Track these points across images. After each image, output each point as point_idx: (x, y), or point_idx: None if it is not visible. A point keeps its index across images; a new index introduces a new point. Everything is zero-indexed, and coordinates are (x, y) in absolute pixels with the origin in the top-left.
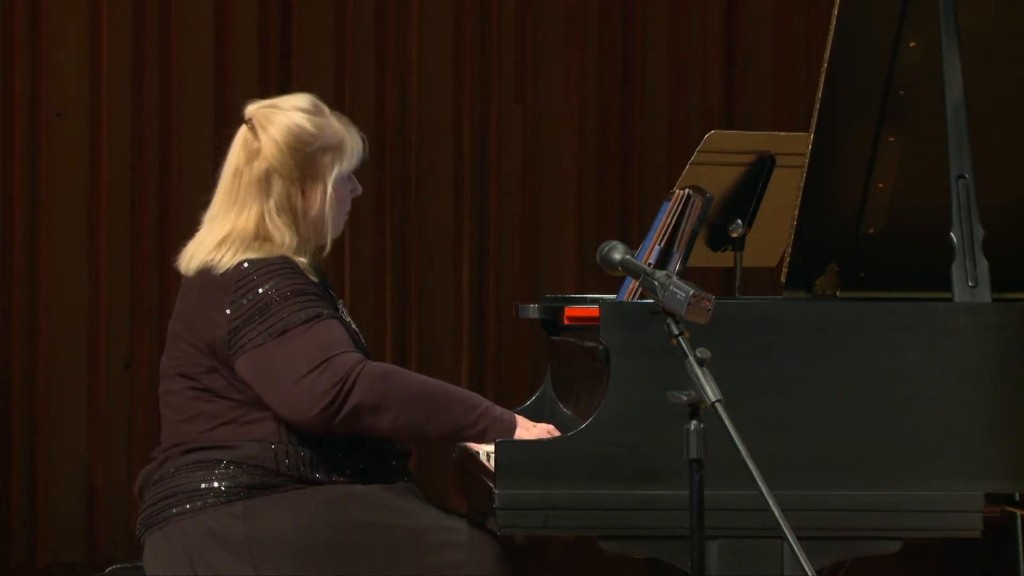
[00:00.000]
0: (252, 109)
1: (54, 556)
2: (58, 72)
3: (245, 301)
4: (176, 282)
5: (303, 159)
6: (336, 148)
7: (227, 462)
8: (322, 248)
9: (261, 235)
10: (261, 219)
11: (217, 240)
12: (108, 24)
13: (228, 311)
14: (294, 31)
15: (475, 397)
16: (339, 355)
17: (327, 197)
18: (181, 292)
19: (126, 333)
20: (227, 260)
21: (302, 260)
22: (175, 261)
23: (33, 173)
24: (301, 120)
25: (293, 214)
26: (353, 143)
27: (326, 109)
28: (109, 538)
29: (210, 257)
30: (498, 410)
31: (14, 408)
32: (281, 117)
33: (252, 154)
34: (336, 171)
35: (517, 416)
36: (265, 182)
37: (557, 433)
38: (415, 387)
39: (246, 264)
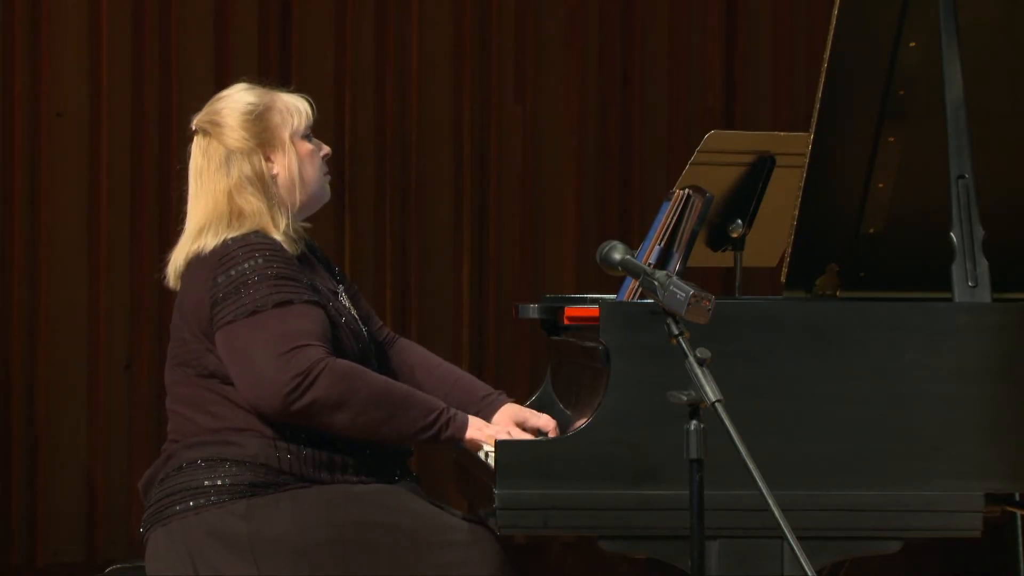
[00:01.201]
0: (197, 119)
1: (54, 556)
2: (58, 72)
3: (223, 278)
4: None
5: (253, 125)
6: (281, 107)
7: (231, 460)
8: (295, 206)
9: (234, 211)
10: (229, 196)
11: (196, 230)
12: (108, 24)
13: (210, 286)
14: (294, 31)
15: (433, 402)
16: (305, 347)
17: (290, 154)
18: (179, 289)
19: (126, 333)
20: (210, 242)
21: (278, 237)
22: (163, 279)
23: (33, 173)
24: (243, 96)
25: (262, 183)
26: (296, 101)
27: (260, 85)
28: (109, 538)
29: (195, 247)
30: (452, 411)
31: (14, 408)
32: (225, 104)
33: (208, 150)
34: (290, 128)
35: (471, 417)
36: (225, 164)
37: (514, 431)
38: (375, 389)
39: (229, 241)
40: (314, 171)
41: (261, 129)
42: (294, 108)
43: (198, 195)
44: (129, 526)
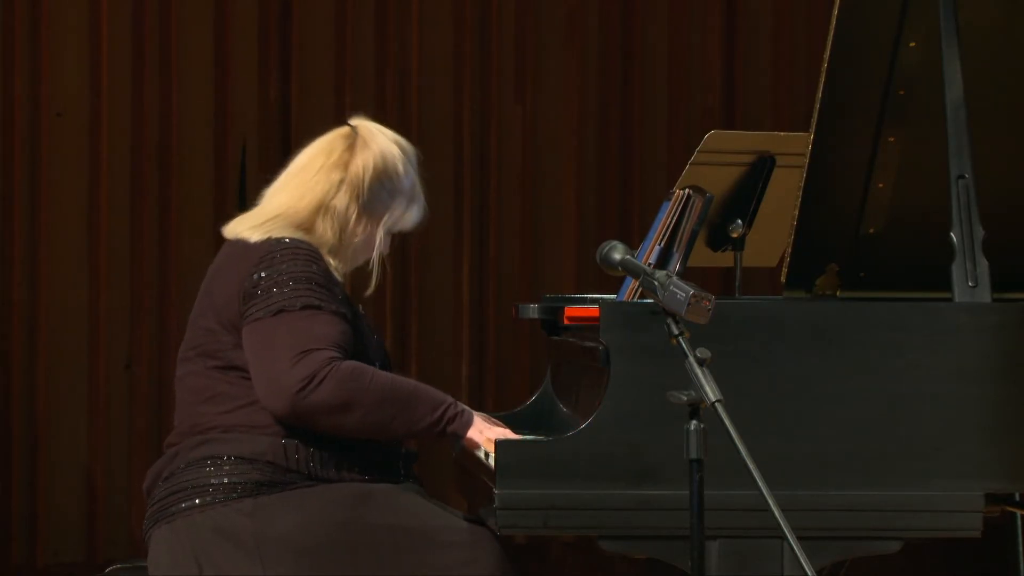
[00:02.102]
0: (362, 122)
1: (54, 556)
2: (58, 72)
3: (259, 276)
4: (176, 282)
5: (377, 188)
6: (407, 201)
7: (237, 458)
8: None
9: (308, 222)
10: (315, 210)
11: (264, 218)
12: (108, 24)
13: (245, 282)
14: (294, 31)
15: (438, 395)
16: (316, 351)
17: (370, 233)
18: (207, 275)
19: (126, 333)
20: (257, 237)
21: (331, 260)
22: (222, 227)
23: (33, 173)
24: (397, 156)
25: (344, 223)
26: (420, 208)
27: (417, 167)
28: (109, 538)
29: (248, 234)
30: (459, 407)
31: (14, 408)
32: (382, 140)
33: (338, 162)
34: (392, 220)
35: (476, 415)
36: (336, 187)
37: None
38: (381, 388)
39: (273, 242)
40: (362, 257)
41: (377, 197)
42: (414, 211)
43: (297, 182)
44: (129, 526)
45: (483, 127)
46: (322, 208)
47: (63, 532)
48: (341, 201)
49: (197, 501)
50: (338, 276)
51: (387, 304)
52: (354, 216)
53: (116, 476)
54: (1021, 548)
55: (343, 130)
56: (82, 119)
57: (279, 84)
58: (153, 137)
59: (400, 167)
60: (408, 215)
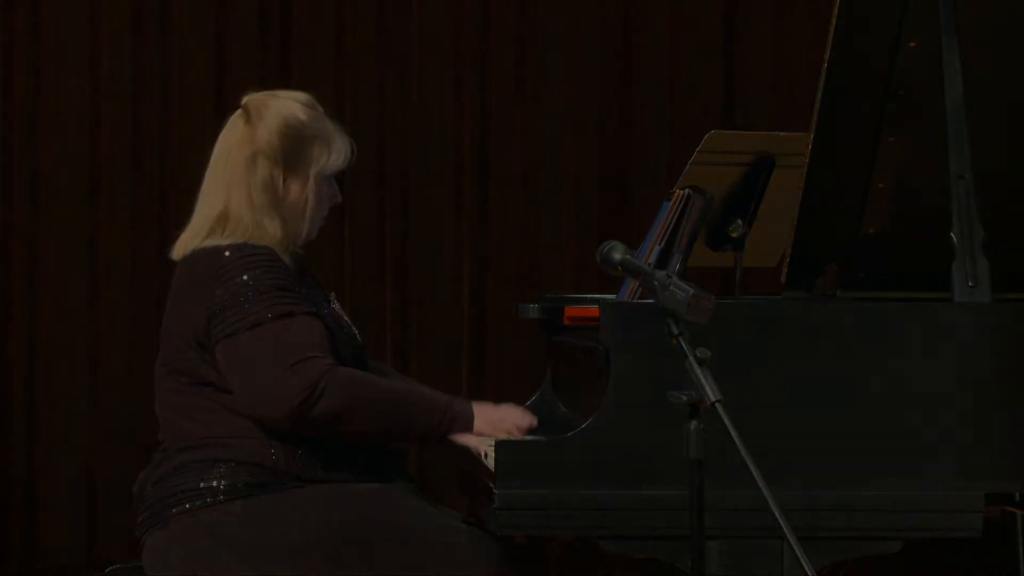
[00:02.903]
0: (250, 96)
1: (54, 556)
2: (58, 72)
3: (221, 290)
4: None
5: (290, 144)
6: (324, 142)
7: (225, 460)
8: (287, 233)
9: (244, 219)
10: (243, 202)
11: (201, 226)
12: (108, 24)
13: (207, 299)
14: (294, 31)
15: (438, 398)
16: (312, 358)
17: (307, 189)
18: (170, 292)
19: (126, 333)
20: (208, 247)
21: (273, 245)
22: (170, 252)
23: (33, 173)
24: (296, 108)
25: (273, 197)
26: (342, 144)
27: (322, 109)
28: (109, 538)
29: (194, 244)
30: (458, 405)
31: (14, 407)
32: (276, 104)
33: (242, 137)
34: (320, 165)
35: (475, 410)
36: (251, 164)
37: (521, 413)
38: (381, 395)
39: (227, 253)
40: (317, 214)
41: (294, 151)
42: (337, 148)
43: (218, 181)
44: (129, 526)
45: (483, 127)
46: (248, 196)
47: (63, 532)
48: (263, 173)
49: (187, 505)
50: (285, 258)
51: (387, 304)
52: (281, 180)
53: (116, 476)
54: (1021, 548)
55: (237, 112)
56: (82, 119)
57: (279, 84)
58: (153, 138)
59: (301, 115)
60: (334, 154)
